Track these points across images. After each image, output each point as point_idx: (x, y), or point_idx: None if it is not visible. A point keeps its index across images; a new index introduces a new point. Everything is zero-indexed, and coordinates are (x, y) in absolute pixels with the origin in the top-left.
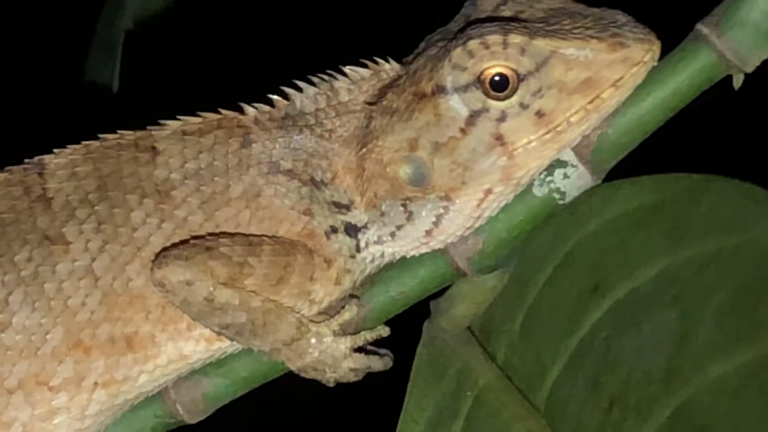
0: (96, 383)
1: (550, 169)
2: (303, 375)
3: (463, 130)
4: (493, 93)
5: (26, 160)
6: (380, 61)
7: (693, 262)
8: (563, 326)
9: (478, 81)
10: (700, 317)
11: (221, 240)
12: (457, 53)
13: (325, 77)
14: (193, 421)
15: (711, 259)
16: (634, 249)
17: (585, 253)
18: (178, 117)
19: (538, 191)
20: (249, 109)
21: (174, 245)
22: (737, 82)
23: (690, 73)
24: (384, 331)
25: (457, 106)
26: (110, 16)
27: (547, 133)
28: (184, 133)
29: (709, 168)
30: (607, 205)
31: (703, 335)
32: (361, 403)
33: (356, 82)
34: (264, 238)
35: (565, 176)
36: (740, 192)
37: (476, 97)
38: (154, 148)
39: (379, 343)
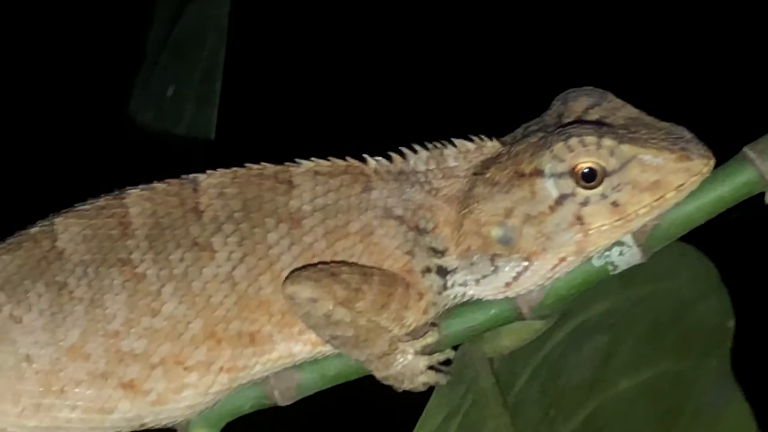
0: (221, 368)
1: (610, 246)
2: (383, 382)
3: (551, 208)
4: (582, 183)
5: (182, 176)
6: (484, 137)
7: (630, 300)
8: (535, 345)
9: (572, 172)
10: (623, 342)
11: (343, 268)
12: (558, 147)
13: (437, 145)
14: (284, 404)
15: (643, 299)
16: (597, 290)
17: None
18: (311, 159)
19: (596, 262)
20: (371, 161)
21: (304, 266)
22: None
23: (734, 186)
24: (451, 354)
25: (550, 188)
26: (208, 65)
27: (619, 220)
28: (317, 173)
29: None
30: None
31: (622, 356)
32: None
33: (462, 153)
34: (374, 269)
35: (621, 254)
36: (679, 251)
37: (568, 184)
38: (290, 181)
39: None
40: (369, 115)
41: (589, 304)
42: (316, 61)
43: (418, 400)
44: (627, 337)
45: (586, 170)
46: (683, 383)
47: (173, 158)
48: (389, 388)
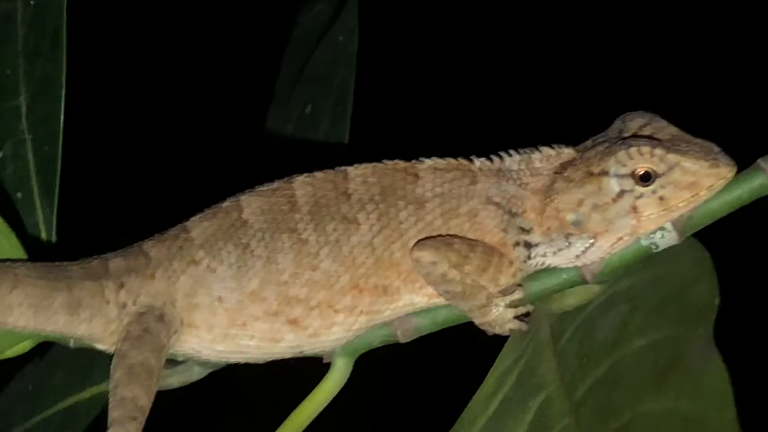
0: (362, 311)
1: (655, 230)
2: (479, 327)
3: (614, 200)
4: (639, 182)
5: (336, 167)
6: (563, 146)
7: (648, 278)
8: (580, 309)
9: (632, 174)
10: (640, 310)
11: (455, 240)
12: (621, 154)
13: (527, 150)
14: (404, 341)
15: (657, 277)
16: (629, 268)
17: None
18: (432, 158)
19: (643, 242)
20: (476, 161)
21: (426, 238)
22: None
23: (749, 189)
24: (531, 308)
25: (613, 185)
26: (344, 73)
27: (664, 210)
28: (436, 168)
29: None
30: None
31: (637, 322)
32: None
33: (546, 156)
34: (478, 242)
35: (662, 236)
36: (689, 243)
37: (628, 183)
38: (416, 174)
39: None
40: (474, 124)
41: (617, 280)
42: (426, 81)
43: (493, 345)
44: (642, 307)
45: (643, 173)
46: (678, 345)
47: (313, 160)
48: (482, 331)
